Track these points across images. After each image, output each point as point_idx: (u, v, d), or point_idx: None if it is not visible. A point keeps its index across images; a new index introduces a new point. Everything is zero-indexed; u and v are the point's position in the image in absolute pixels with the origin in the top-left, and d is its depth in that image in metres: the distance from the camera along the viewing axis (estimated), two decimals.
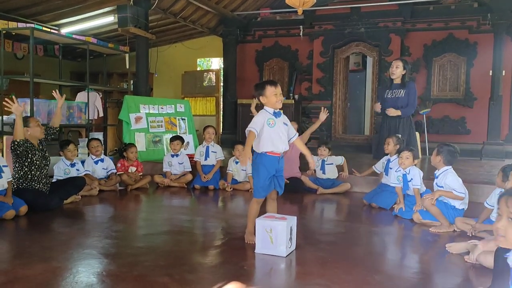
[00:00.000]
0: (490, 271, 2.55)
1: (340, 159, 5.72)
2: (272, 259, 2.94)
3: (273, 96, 3.21)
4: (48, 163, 4.61)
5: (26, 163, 4.34)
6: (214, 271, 2.73)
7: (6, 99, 4.21)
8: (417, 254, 3.31)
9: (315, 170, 5.69)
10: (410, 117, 5.28)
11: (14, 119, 4.62)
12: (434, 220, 3.95)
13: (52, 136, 4.80)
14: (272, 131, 3.19)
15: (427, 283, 2.61)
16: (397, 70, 5.15)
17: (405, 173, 4.41)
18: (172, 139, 6.18)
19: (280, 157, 3.25)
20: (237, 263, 2.84)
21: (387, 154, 5.07)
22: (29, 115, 5.39)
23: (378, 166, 5.15)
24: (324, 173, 5.67)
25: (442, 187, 3.90)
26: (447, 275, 2.79)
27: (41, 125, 4.55)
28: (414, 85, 5.32)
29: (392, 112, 5.17)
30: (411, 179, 4.37)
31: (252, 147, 3.26)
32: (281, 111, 3.30)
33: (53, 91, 4.99)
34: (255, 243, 3.08)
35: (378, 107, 5.43)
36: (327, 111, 5.17)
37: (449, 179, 3.89)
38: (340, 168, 5.77)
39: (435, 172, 4.06)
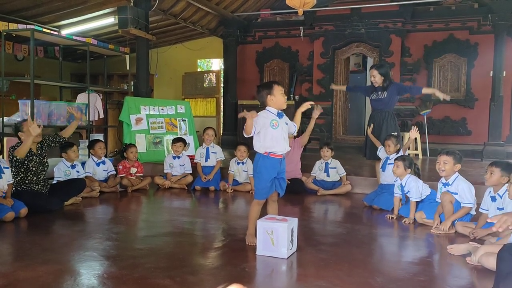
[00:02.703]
0: (492, 272, 2.54)
1: (342, 171, 5.71)
2: (273, 261, 2.93)
3: (281, 95, 3.21)
4: (45, 168, 4.57)
5: (22, 169, 4.34)
6: (215, 273, 2.72)
7: (29, 117, 4.25)
8: (419, 255, 3.30)
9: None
10: (393, 114, 5.32)
11: (16, 124, 4.62)
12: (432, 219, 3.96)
13: (57, 144, 4.76)
14: (276, 132, 3.19)
15: (429, 285, 2.60)
16: (376, 79, 5.25)
17: (401, 183, 4.35)
18: (175, 140, 6.17)
19: (282, 159, 3.25)
20: (238, 265, 2.83)
21: (374, 155, 5.20)
22: (27, 116, 5.39)
23: (381, 154, 5.12)
24: (328, 175, 5.67)
25: (456, 193, 3.86)
26: (449, 277, 2.78)
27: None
28: (395, 84, 5.41)
29: (441, 95, 5.17)
30: (408, 191, 4.29)
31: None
32: (282, 111, 3.30)
33: (74, 111, 5.05)
34: (256, 245, 3.07)
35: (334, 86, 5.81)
36: (320, 107, 5.16)
37: (461, 186, 3.86)
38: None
39: (442, 180, 4.02)
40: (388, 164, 4.86)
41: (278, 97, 3.21)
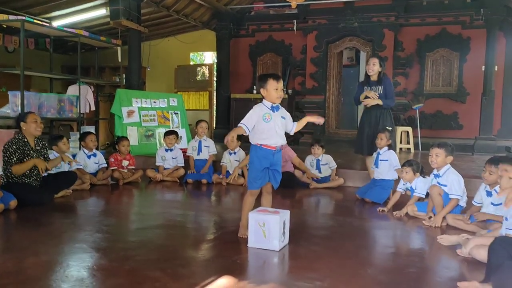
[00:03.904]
0: (483, 264, 2.55)
1: (333, 164, 5.69)
2: (265, 253, 2.92)
3: (273, 90, 3.17)
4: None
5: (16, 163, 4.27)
6: (206, 265, 2.71)
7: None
8: (410, 247, 3.32)
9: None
10: (390, 111, 5.29)
11: (20, 114, 4.56)
12: (424, 212, 3.97)
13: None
14: (268, 126, 3.17)
15: (420, 276, 2.61)
16: (374, 67, 5.18)
17: (411, 187, 4.29)
18: (167, 133, 6.13)
19: (275, 151, 3.22)
20: (229, 257, 2.82)
21: (371, 150, 5.13)
22: (22, 109, 5.34)
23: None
24: (320, 172, 5.64)
25: (445, 185, 3.88)
26: (439, 268, 2.79)
27: (39, 122, 4.39)
28: (389, 79, 5.38)
29: (371, 101, 5.14)
30: (416, 188, 4.25)
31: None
32: (279, 105, 3.26)
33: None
34: (248, 237, 3.06)
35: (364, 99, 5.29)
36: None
37: (450, 177, 3.88)
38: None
39: (433, 172, 4.03)
40: (381, 160, 4.84)
41: (270, 92, 3.18)
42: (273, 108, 3.21)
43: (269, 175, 3.23)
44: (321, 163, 5.67)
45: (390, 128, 5.04)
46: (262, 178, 3.22)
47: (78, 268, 2.58)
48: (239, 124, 3.21)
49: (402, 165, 4.43)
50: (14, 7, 8.08)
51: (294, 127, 3.34)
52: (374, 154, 4.98)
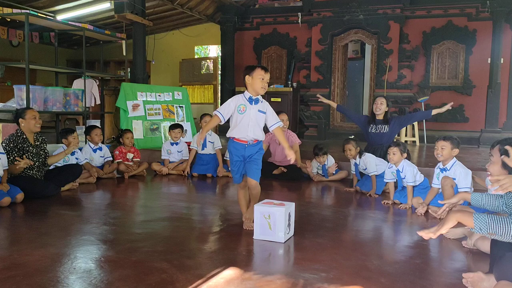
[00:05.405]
0: (488, 256, 2.55)
1: (333, 169, 5.65)
2: (270, 245, 2.94)
3: (259, 79, 3.14)
4: (40, 159, 4.48)
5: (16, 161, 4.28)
6: (212, 257, 2.73)
7: (17, 159, 4.14)
8: (415, 239, 3.31)
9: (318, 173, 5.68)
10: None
11: (17, 110, 4.59)
12: (435, 205, 3.96)
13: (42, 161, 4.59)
14: (241, 118, 3.16)
15: (425, 268, 2.61)
16: (381, 107, 5.29)
17: (397, 169, 4.34)
18: (172, 127, 6.13)
19: (247, 145, 3.20)
20: (235, 249, 2.84)
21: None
22: (27, 103, 5.36)
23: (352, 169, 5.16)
24: (326, 177, 5.61)
25: (454, 179, 3.85)
26: (445, 260, 2.80)
27: (38, 119, 4.40)
28: (395, 117, 5.48)
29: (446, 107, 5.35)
30: (404, 176, 4.28)
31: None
32: (260, 98, 3.23)
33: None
34: (253, 229, 3.07)
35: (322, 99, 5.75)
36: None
37: (458, 171, 3.86)
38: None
39: (439, 166, 4.01)
40: (361, 171, 4.90)
41: (255, 81, 3.14)
42: (251, 100, 3.18)
43: (247, 168, 3.23)
44: (328, 166, 5.62)
45: (352, 136, 5.08)
46: (239, 172, 3.25)
47: (85, 260, 2.60)
48: (214, 112, 3.24)
49: (389, 146, 4.44)
50: (18, 0, 8.09)
51: (275, 126, 3.25)
52: (352, 165, 5.05)
